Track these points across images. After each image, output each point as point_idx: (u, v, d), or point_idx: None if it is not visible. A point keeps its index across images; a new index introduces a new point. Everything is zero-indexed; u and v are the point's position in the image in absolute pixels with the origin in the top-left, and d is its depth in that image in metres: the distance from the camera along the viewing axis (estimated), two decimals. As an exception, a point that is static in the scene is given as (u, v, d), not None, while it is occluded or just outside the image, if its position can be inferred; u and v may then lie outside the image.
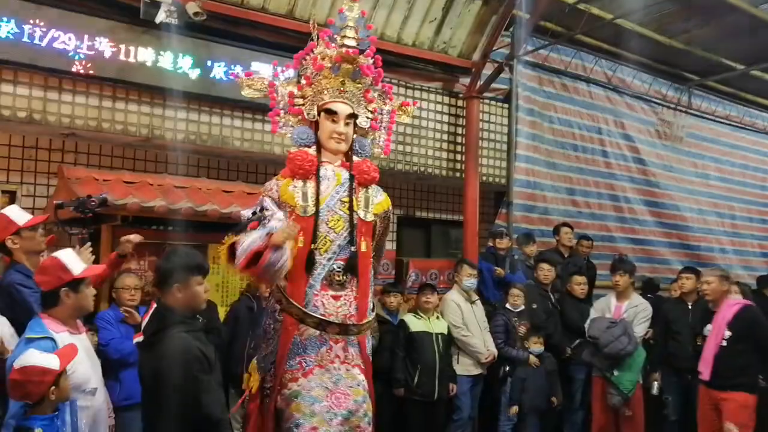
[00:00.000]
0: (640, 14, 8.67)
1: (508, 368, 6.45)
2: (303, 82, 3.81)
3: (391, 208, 3.97)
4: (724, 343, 5.37)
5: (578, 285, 7.13)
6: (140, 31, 6.14)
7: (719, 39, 9.66)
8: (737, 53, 10.20)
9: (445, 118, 8.43)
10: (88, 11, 5.96)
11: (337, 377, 3.54)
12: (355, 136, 3.84)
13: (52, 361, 2.85)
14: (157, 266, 3.06)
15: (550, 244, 8.32)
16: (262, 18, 6.72)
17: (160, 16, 6.01)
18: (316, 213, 3.57)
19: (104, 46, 5.98)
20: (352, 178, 3.72)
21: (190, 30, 6.23)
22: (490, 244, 7.86)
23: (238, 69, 6.54)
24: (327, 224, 3.60)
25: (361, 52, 3.72)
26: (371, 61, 3.81)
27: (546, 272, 7.19)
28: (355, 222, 3.64)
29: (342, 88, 3.76)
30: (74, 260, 3.25)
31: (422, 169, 8.16)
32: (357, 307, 3.63)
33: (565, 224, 8.30)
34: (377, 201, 3.81)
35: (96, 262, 4.51)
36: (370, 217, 3.75)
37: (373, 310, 3.86)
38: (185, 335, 2.90)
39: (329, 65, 3.70)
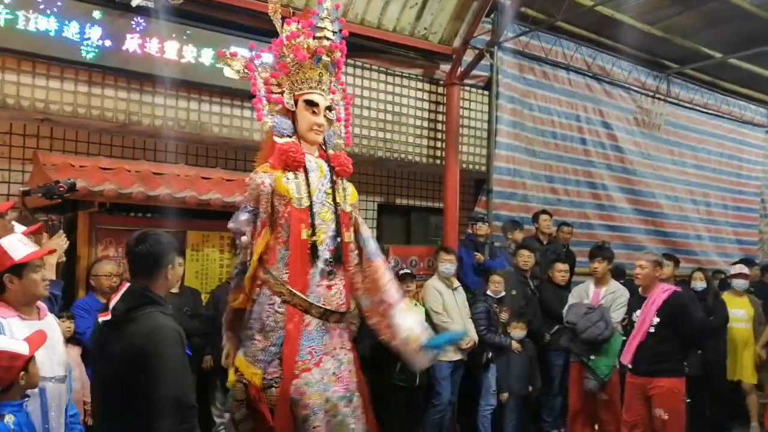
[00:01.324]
0: (620, 1, 8.69)
1: (491, 354, 6.47)
2: (278, 69, 3.84)
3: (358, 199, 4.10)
4: (652, 330, 5.37)
5: (560, 272, 7.17)
6: (116, 14, 6.04)
7: (698, 27, 9.72)
8: (715, 41, 10.26)
9: (426, 104, 8.41)
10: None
11: (339, 362, 3.71)
12: None
13: (21, 347, 2.80)
14: (142, 250, 2.93)
15: (530, 231, 8.35)
16: (239, 2, 6.62)
17: (137, 0, 5.94)
18: (311, 204, 3.63)
19: (79, 29, 5.87)
20: (332, 170, 3.81)
21: (167, 14, 6.14)
22: (470, 230, 7.88)
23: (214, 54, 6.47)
24: (319, 215, 3.68)
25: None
26: (340, 55, 3.88)
27: (526, 259, 7.23)
28: (339, 213, 3.76)
29: (320, 80, 3.80)
30: (17, 245, 3.10)
31: (402, 156, 8.14)
32: (344, 295, 3.78)
33: (543, 211, 8.34)
34: (349, 192, 3.93)
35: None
36: (348, 208, 3.87)
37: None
38: (164, 315, 2.89)
39: (310, 56, 3.73)
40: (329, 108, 3.84)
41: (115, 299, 2.91)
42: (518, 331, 6.57)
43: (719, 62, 10.74)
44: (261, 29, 6.46)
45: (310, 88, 3.78)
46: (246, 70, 3.88)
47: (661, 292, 5.47)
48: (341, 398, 3.64)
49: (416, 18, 7.94)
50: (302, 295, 3.59)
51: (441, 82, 8.49)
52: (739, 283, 7.63)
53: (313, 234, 3.62)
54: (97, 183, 5.48)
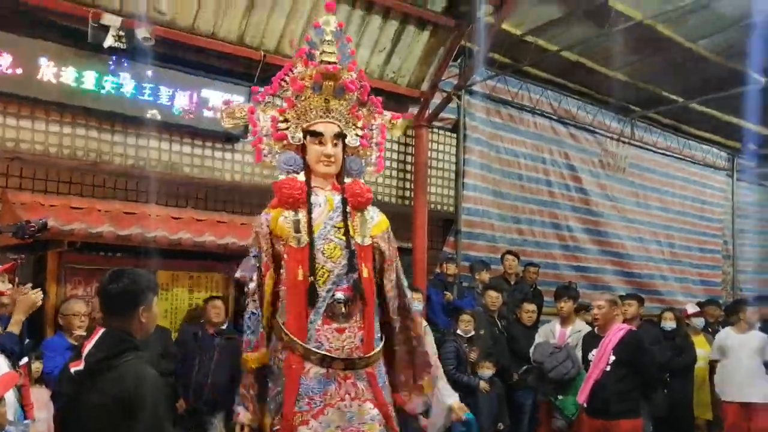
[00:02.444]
0: (585, 47, 8.96)
1: (458, 395, 6.48)
2: (284, 104, 3.57)
3: (389, 228, 3.71)
4: (608, 368, 5.29)
5: (527, 312, 7.25)
6: (88, 55, 6.10)
7: (660, 73, 10.01)
8: (677, 87, 10.57)
9: (395, 146, 8.54)
10: (35, 34, 5.90)
11: (350, 415, 3.30)
12: (346, 156, 3.59)
13: None
14: (116, 288, 2.70)
15: (498, 272, 8.46)
16: (213, 44, 6.74)
17: (108, 41, 6.00)
18: (311, 243, 3.34)
19: (51, 69, 5.92)
20: (344, 201, 3.48)
21: (140, 55, 6.21)
22: (438, 270, 7.95)
23: (187, 95, 6.56)
24: (323, 253, 3.36)
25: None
26: (354, 76, 3.58)
27: (493, 299, 7.31)
28: (353, 248, 3.39)
29: (327, 107, 3.50)
30: None
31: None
32: (363, 338, 3.37)
33: (509, 252, 8.45)
34: (374, 223, 3.58)
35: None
36: (367, 241, 3.50)
37: (381, 339, 3.56)
38: (145, 363, 2.68)
39: (309, 84, 3.47)
40: (341, 135, 3.51)
41: (88, 345, 2.65)
42: (486, 370, 6.61)
43: (681, 107, 11.03)
44: (235, 72, 6.61)
45: (316, 117, 3.49)
46: (247, 114, 3.63)
47: (617, 331, 5.44)
48: None
49: (385, 62, 8.10)
50: (298, 341, 3.28)
51: (410, 125, 8.62)
52: (697, 322, 7.79)
53: (311, 274, 3.31)
54: (67, 222, 5.47)
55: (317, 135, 3.45)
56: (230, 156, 7.10)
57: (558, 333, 6.61)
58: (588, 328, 6.60)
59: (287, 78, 3.55)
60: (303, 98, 3.50)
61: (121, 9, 6.21)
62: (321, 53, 3.48)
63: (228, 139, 6.98)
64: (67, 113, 6.13)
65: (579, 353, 6.33)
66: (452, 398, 3.54)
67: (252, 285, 3.40)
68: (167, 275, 6.30)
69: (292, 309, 3.33)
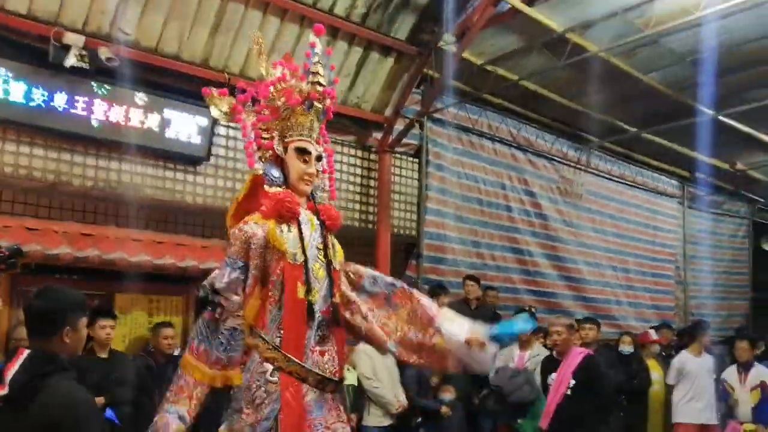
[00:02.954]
0: (543, 77, 9.16)
1: (420, 419, 6.49)
2: (266, 113, 3.47)
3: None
4: (569, 392, 5.40)
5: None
6: (48, 74, 6.00)
7: (615, 103, 10.28)
8: (630, 117, 10.89)
9: (358, 170, 8.59)
10: (-5, 52, 5.81)
11: None
12: None
13: None
14: (38, 306, 2.57)
15: (460, 295, 8.50)
16: (177, 66, 6.71)
17: (70, 60, 5.93)
18: (305, 260, 3.26)
19: (10, 87, 5.81)
20: (323, 224, 3.43)
21: (102, 75, 6.15)
22: (401, 295, 7.94)
23: (151, 116, 6.51)
24: (312, 272, 3.28)
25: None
26: (329, 102, 3.55)
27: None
28: (331, 271, 3.35)
29: (311, 127, 3.46)
30: None
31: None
32: (337, 362, 3.33)
33: (469, 277, 8.49)
34: (337, 249, 3.53)
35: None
36: (338, 266, 3.45)
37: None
38: (75, 384, 2.53)
39: (302, 101, 3.41)
40: (319, 158, 3.48)
41: (12, 369, 2.46)
42: (448, 394, 6.62)
43: (634, 136, 11.35)
44: (198, 93, 6.54)
45: (301, 135, 3.42)
46: (232, 112, 3.51)
47: (576, 355, 5.56)
48: None
49: (349, 87, 8.16)
50: (299, 361, 3.16)
51: (373, 149, 8.69)
52: (654, 347, 7.94)
53: (309, 292, 3.22)
54: (22, 243, 5.31)
55: (305, 153, 3.40)
56: (192, 178, 7.03)
57: (517, 357, 6.67)
58: (546, 352, 6.69)
59: (279, 87, 3.45)
60: (292, 113, 3.43)
61: (84, 29, 6.15)
62: (315, 74, 3.43)
63: (190, 161, 6.93)
64: (24, 133, 6.00)
65: (538, 377, 6.41)
66: (462, 333, 3.39)
67: (236, 299, 3.23)
68: (126, 298, 6.19)
69: (291, 328, 3.19)
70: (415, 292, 3.50)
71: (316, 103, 3.41)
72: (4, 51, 5.88)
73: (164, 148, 6.66)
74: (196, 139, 6.83)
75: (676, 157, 12.69)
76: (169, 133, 6.65)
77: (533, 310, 7.60)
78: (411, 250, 9.26)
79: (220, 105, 3.52)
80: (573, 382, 5.44)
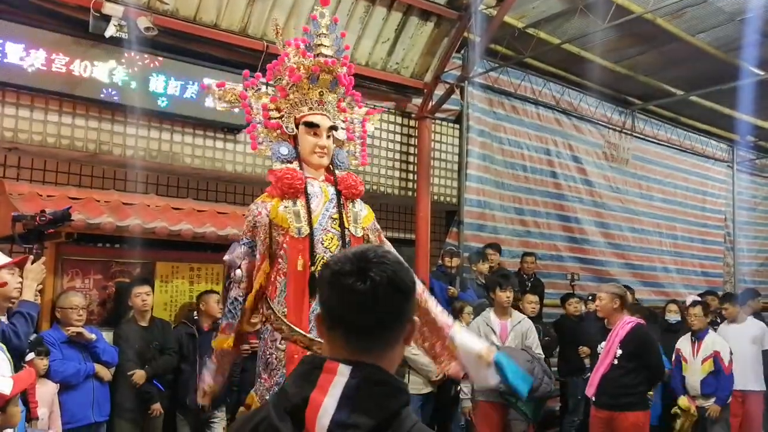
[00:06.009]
0: (586, 40, 8.91)
1: (459, 387, 6.45)
2: (276, 93, 3.61)
3: (375, 219, 3.75)
4: (616, 362, 5.36)
5: (530, 303, 7.18)
6: (89, 44, 6.03)
7: (660, 66, 10.00)
8: (677, 79, 10.56)
9: (398, 137, 8.49)
10: (35, 23, 5.82)
11: None
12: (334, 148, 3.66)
13: (3, 386, 2.71)
14: None
15: (502, 263, 8.40)
16: (215, 35, 6.67)
17: (110, 30, 5.93)
18: (311, 233, 3.37)
19: (51, 59, 5.84)
20: (339, 193, 3.52)
21: (141, 45, 6.14)
22: (441, 262, 7.90)
23: (190, 85, 6.50)
24: (322, 244, 3.39)
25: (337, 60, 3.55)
26: (345, 70, 3.63)
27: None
28: (348, 239, 3.45)
29: (321, 100, 3.55)
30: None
31: (374, 187, 8.18)
32: None
33: (489, 245, 8.36)
34: (363, 215, 3.62)
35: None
36: (360, 232, 3.55)
37: None
38: None
39: (306, 76, 3.49)
40: (334, 128, 3.57)
41: None
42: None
43: (681, 99, 11.02)
44: (236, 62, 6.54)
45: (310, 109, 3.51)
46: (239, 99, 3.65)
47: (624, 324, 5.46)
48: None
49: (388, 53, 8.05)
50: (302, 331, 3.27)
51: (413, 116, 8.58)
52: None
53: (312, 264, 3.32)
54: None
55: (313, 126, 3.48)
56: (231, 146, 7.03)
57: (499, 327, 6.01)
58: (526, 318, 6.20)
59: (282, 67, 3.56)
60: (298, 89, 3.52)
61: (122, -2, 6.15)
62: (318, 46, 3.52)
63: (229, 129, 6.92)
64: (66, 103, 6.06)
65: (538, 349, 6.00)
66: (477, 345, 3.45)
67: (239, 272, 3.43)
68: (167, 267, 6.24)
69: (292, 299, 3.32)
70: (430, 301, 3.51)
71: (322, 75, 3.48)
72: (45, 23, 5.90)
73: (202, 117, 6.66)
74: (235, 108, 6.78)
75: (724, 120, 12.30)
76: (208, 102, 6.63)
77: (576, 277, 7.45)
78: (451, 218, 9.18)
79: (223, 97, 3.66)
80: (620, 351, 5.37)
